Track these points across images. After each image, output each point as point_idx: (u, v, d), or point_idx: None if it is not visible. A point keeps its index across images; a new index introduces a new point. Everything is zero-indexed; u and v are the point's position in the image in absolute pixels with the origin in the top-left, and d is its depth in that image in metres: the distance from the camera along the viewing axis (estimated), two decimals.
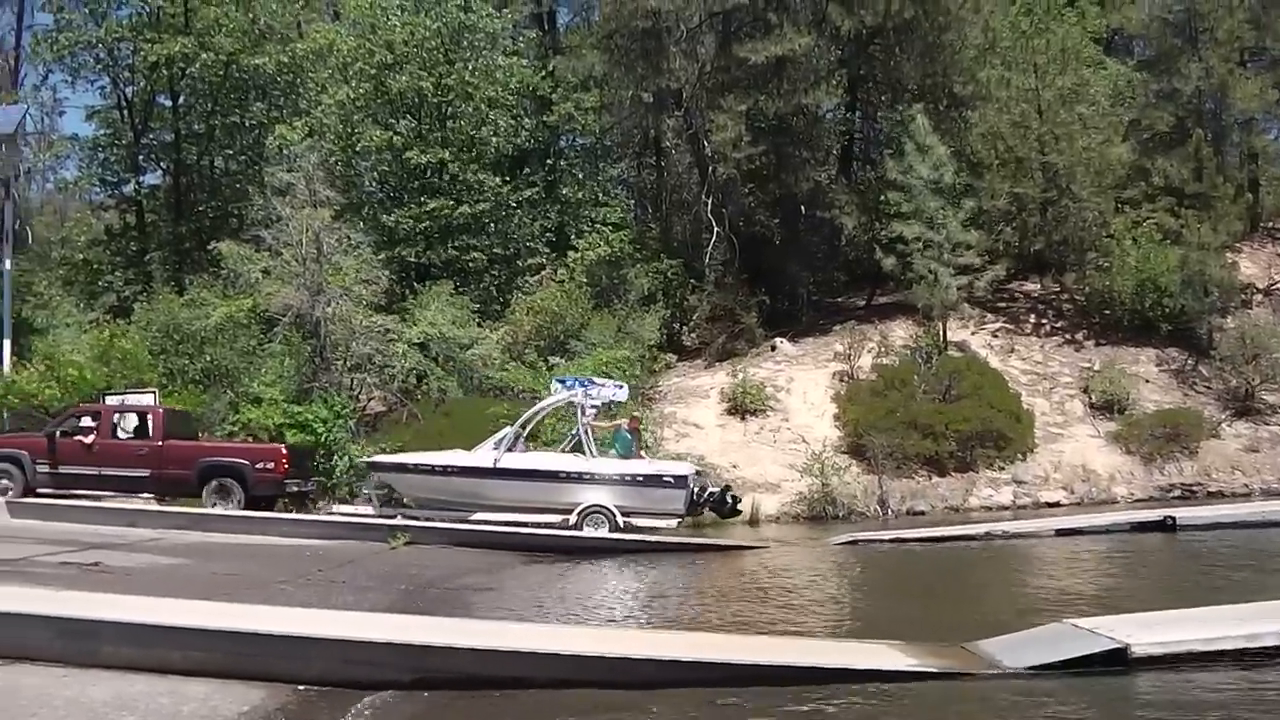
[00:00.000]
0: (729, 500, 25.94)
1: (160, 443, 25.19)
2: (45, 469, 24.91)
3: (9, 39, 53.02)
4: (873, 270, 39.45)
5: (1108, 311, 38.56)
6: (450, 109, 41.59)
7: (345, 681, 9.52)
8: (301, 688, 9.41)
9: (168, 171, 46.75)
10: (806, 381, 35.62)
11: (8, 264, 31.43)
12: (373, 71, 40.80)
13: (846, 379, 35.48)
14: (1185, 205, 38.77)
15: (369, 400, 33.62)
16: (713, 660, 10.05)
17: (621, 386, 27.61)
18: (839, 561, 21.98)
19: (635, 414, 28.36)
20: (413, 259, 39.79)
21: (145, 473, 24.95)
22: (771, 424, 33.87)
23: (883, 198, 37.19)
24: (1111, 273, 38.07)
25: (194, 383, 31.99)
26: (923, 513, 30.55)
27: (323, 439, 28.26)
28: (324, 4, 50.67)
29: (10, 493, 24.37)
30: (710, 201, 39.38)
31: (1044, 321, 39.94)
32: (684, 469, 25.70)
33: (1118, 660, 9.72)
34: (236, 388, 31.97)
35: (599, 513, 24.25)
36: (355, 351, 31.93)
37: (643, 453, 26.66)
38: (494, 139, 42.34)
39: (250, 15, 42.89)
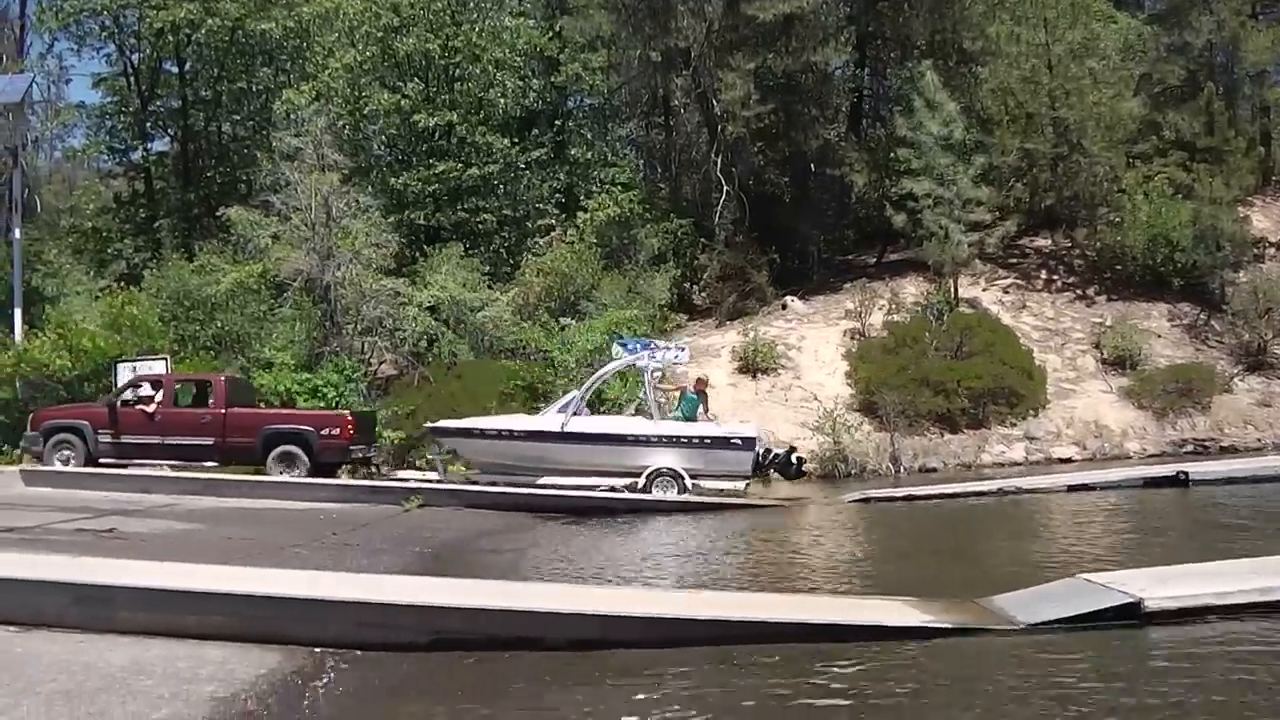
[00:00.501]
0: (794, 462, 26.01)
1: (224, 410, 25.23)
2: (107, 439, 24.91)
3: (14, 7, 52.73)
4: (883, 227, 39.34)
5: (1119, 267, 38.49)
6: (458, 71, 41.46)
7: (362, 643, 9.56)
8: (318, 650, 9.44)
9: (175, 138, 46.82)
10: (818, 340, 35.59)
11: (18, 233, 31.44)
12: (379, 34, 40.65)
13: (858, 337, 35.46)
14: (1197, 159, 38.61)
15: (380, 364, 33.63)
16: (726, 618, 10.08)
17: (683, 349, 27.80)
18: (851, 519, 22.02)
19: (702, 375, 28.30)
20: (422, 222, 39.77)
21: (209, 441, 24.96)
22: (783, 382, 33.86)
23: (892, 155, 37.09)
24: (1123, 228, 37.95)
25: (205, 349, 32.04)
26: (935, 470, 30.51)
27: (334, 404, 28.29)
28: None
29: (72, 462, 24.46)
30: (719, 160, 39.29)
31: (1055, 277, 39.83)
32: (752, 431, 25.70)
33: (1131, 615, 9.74)
34: (247, 353, 32.03)
35: (667, 475, 24.26)
36: (366, 315, 31.95)
37: (709, 415, 26.59)
38: (502, 100, 42.26)
39: None
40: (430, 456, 27.34)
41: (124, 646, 9.20)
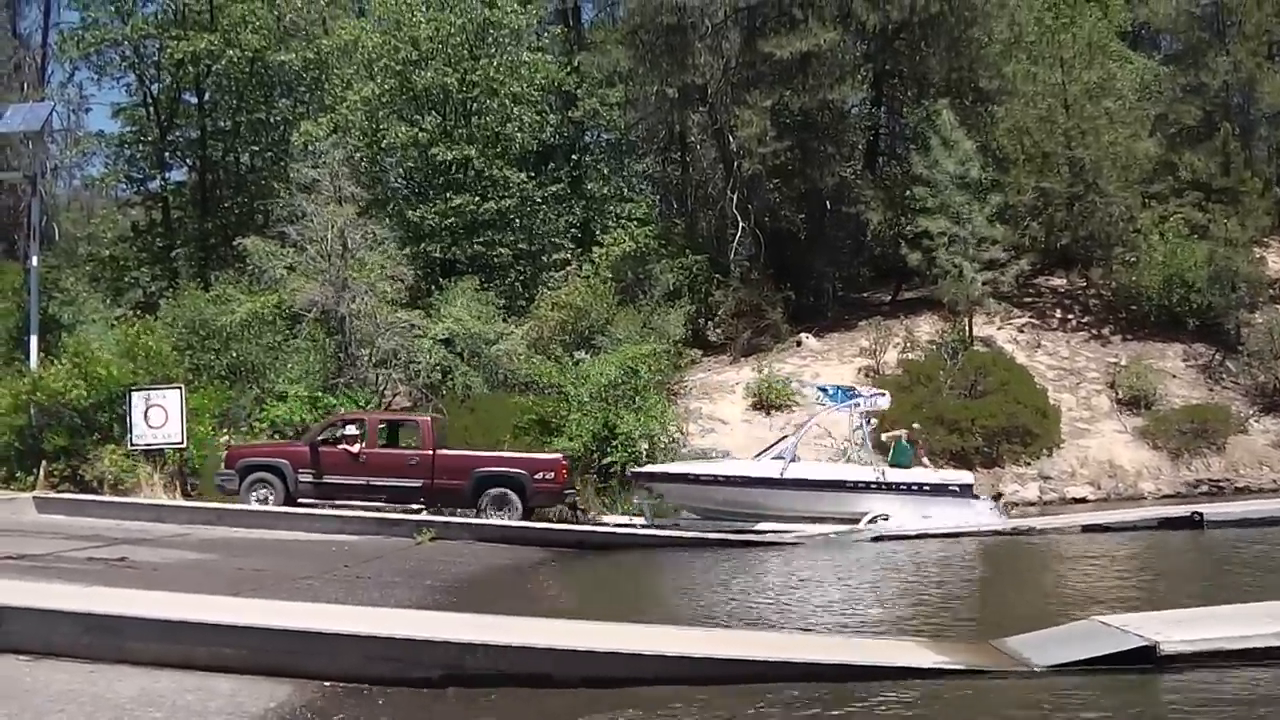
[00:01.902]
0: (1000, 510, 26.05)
1: (432, 452, 25.00)
2: (308, 479, 24.63)
3: (36, 37, 53.32)
4: (898, 265, 39.37)
5: (1134, 307, 38.47)
6: (475, 105, 41.60)
7: (373, 678, 9.51)
8: (328, 684, 9.41)
9: (193, 168, 47.04)
10: (832, 377, 35.45)
11: (35, 260, 31.49)
12: (398, 67, 40.81)
13: (872, 374, 35.40)
14: (1212, 200, 38.66)
15: (394, 396, 33.66)
16: (741, 658, 10.01)
17: (884, 394, 28.04)
18: (864, 557, 21.92)
19: (915, 425, 28.43)
20: (438, 255, 39.85)
21: (417, 483, 24.70)
22: (797, 419, 33.71)
23: (908, 193, 37.11)
24: (1138, 267, 37.95)
25: (219, 378, 32.04)
26: None
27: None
28: (349, 0, 50.82)
29: (269, 501, 24.14)
30: (735, 197, 39.37)
31: (1070, 317, 39.79)
32: (967, 479, 26.17)
33: (1146, 658, 9.64)
34: (262, 383, 32.06)
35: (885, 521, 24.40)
36: (380, 347, 31.98)
37: (925, 460, 26.90)
38: (519, 135, 42.37)
39: (276, 12, 43.15)
40: (637, 501, 27.19)
41: (133, 677, 9.18)
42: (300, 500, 24.42)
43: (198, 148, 45.94)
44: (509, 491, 24.48)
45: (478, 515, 24.20)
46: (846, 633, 13.12)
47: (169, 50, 42.57)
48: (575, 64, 45.27)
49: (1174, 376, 35.91)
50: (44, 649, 9.63)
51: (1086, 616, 11.51)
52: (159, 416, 25.84)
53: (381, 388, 32.47)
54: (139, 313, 34.67)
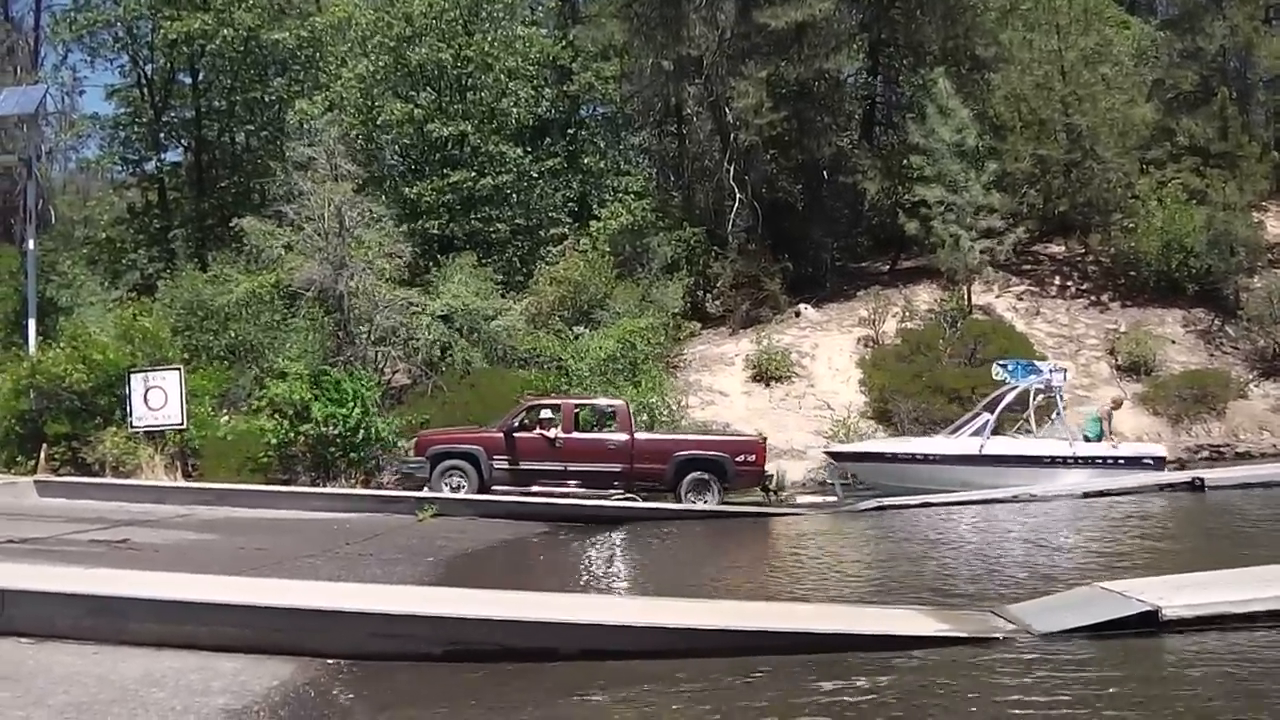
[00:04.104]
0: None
1: (631, 436, 24.89)
2: (504, 465, 24.40)
3: (28, 19, 52.94)
4: (896, 235, 39.32)
5: (1133, 273, 38.44)
6: (470, 80, 41.46)
7: (375, 654, 9.54)
8: (331, 661, 9.42)
9: (189, 148, 46.93)
10: (831, 347, 35.57)
11: (32, 244, 31.43)
12: (392, 44, 40.65)
13: (871, 344, 35.43)
14: (1210, 165, 38.54)
15: (394, 373, 33.65)
16: (739, 628, 10.03)
17: (1065, 369, 28.58)
18: (867, 526, 21.95)
19: (1118, 395, 28.66)
20: (435, 231, 39.77)
21: (617, 468, 24.52)
22: (796, 390, 33.84)
23: (905, 162, 37.04)
24: (1137, 234, 37.90)
25: (218, 359, 32.04)
26: None
27: (353, 412, 27.94)
28: None
29: (463, 490, 23.95)
30: (732, 168, 39.27)
31: (1069, 284, 39.78)
32: (1160, 451, 26.65)
33: (1149, 623, 9.66)
34: (261, 363, 32.02)
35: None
36: (379, 325, 31.93)
37: (1113, 435, 27.28)
38: (514, 110, 42.22)
39: None
40: (829, 480, 27.49)
41: (137, 658, 9.20)
42: (495, 488, 24.20)
43: (193, 128, 45.80)
44: (710, 475, 24.39)
45: (679, 500, 24.08)
46: (851, 602, 13.12)
47: (162, 30, 42.43)
48: (570, 38, 45.14)
49: (1173, 342, 35.90)
50: (47, 632, 9.65)
51: (1088, 582, 11.53)
52: (158, 398, 25.83)
53: (381, 365, 32.44)
54: (137, 295, 34.67)
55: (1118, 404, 28.42)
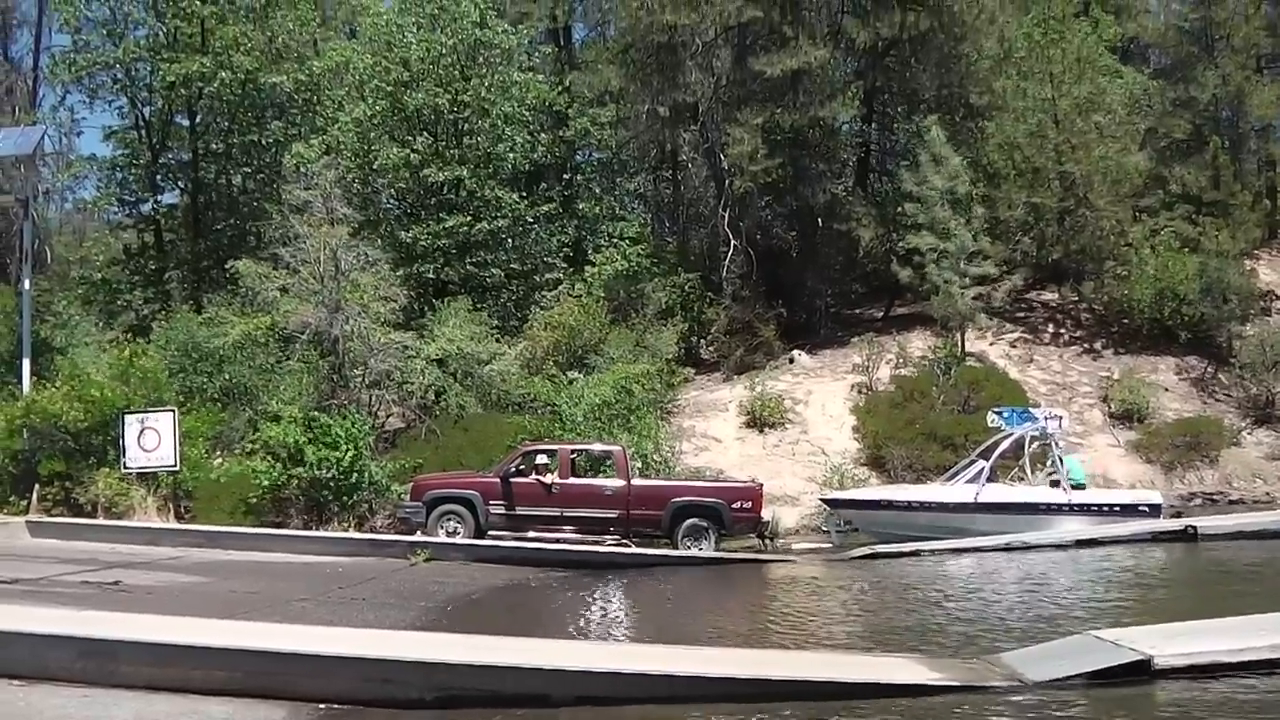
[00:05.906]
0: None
1: (628, 482, 24.79)
2: (500, 510, 24.35)
3: (27, 60, 53.43)
4: (890, 281, 39.40)
5: (1126, 320, 38.54)
6: (467, 125, 41.58)
7: (366, 700, 9.52)
8: (323, 706, 9.40)
9: (185, 190, 46.95)
10: (825, 394, 35.55)
11: (27, 284, 31.46)
12: (389, 89, 40.76)
13: (865, 391, 35.42)
14: (1203, 213, 38.80)
15: (388, 417, 33.59)
16: (734, 676, 10.01)
17: (1061, 415, 28.72)
18: (858, 574, 21.91)
19: None
20: (431, 275, 39.77)
21: (614, 514, 24.42)
22: (790, 436, 33.80)
23: (899, 209, 37.18)
24: (1130, 281, 38.02)
25: (212, 401, 32.02)
26: None
27: (346, 455, 27.87)
28: (340, 22, 51.00)
29: (459, 534, 23.86)
30: (727, 214, 39.37)
31: (1062, 331, 39.86)
32: (1157, 498, 26.59)
33: (1141, 672, 9.67)
34: (255, 406, 31.97)
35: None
36: (373, 368, 31.89)
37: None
38: (511, 155, 42.32)
39: (267, 34, 43.12)
40: (825, 528, 27.57)
41: (128, 701, 9.18)
42: (490, 533, 24.17)
43: (190, 170, 45.88)
44: (706, 522, 24.25)
45: (674, 547, 23.94)
46: (845, 650, 13.11)
47: (161, 73, 42.54)
48: (566, 83, 45.37)
49: (1166, 390, 35.94)
50: (38, 673, 9.62)
51: (1081, 631, 11.53)
52: (152, 439, 25.83)
53: (375, 409, 32.40)
54: (131, 336, 34.64)
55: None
